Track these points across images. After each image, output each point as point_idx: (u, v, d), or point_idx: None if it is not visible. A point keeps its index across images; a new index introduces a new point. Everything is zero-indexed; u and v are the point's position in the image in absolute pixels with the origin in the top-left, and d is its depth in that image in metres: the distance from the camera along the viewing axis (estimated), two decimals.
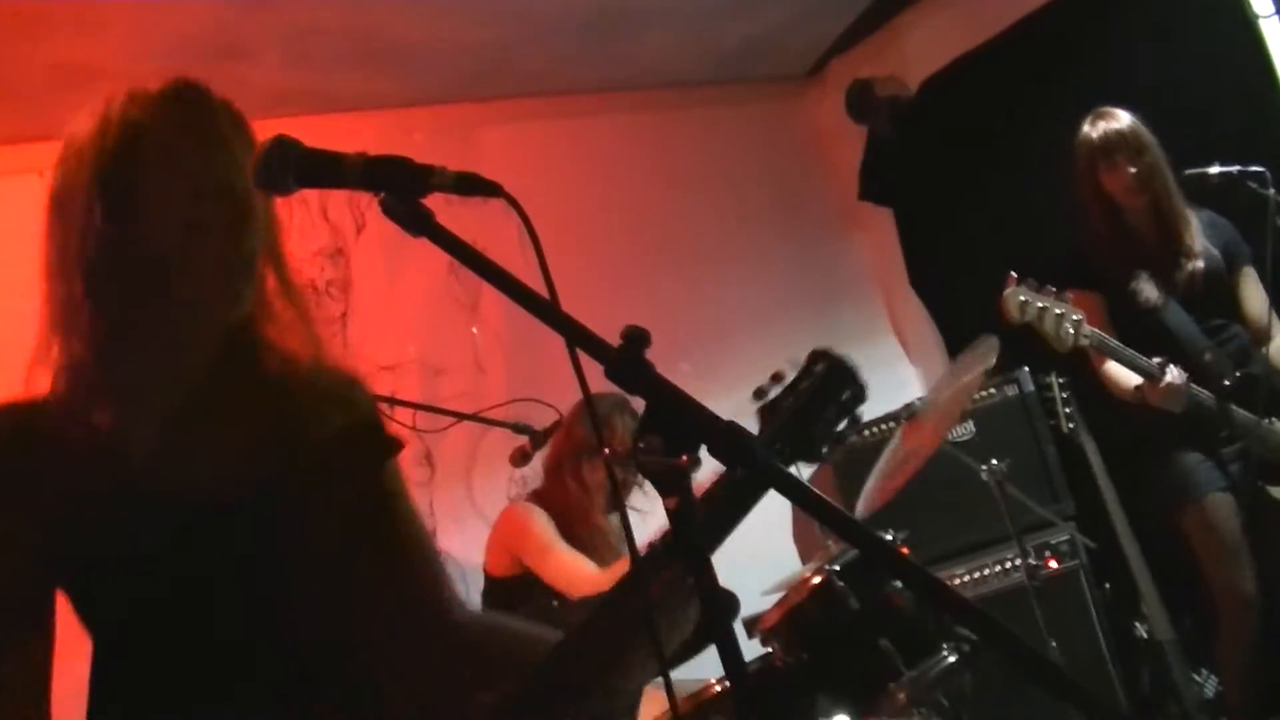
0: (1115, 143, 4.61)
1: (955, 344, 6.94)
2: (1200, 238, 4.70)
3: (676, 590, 1.83)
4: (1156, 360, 4.29)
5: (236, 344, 1.83)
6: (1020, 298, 4.12)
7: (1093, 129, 4.69)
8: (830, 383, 2.00)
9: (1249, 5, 5.29)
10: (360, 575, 1.87)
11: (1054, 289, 4.16)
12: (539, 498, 4.73)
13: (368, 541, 1.91)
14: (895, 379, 7.34)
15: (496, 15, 5.42)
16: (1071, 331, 4.12)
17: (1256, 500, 4.53)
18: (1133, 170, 4.57)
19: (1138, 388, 4.38)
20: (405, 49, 5.41)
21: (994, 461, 4.68)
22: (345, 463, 1.90)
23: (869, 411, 6.24)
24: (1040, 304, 4.11)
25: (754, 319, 6.85)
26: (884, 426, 5.85)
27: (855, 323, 7.43)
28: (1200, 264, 4.64)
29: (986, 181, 6.59)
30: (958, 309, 6.98)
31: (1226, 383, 4.45)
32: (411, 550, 2.01)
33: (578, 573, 4.47)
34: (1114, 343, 4.29)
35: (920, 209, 7.19)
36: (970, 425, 5.68)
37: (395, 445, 2.05)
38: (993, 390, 5.77)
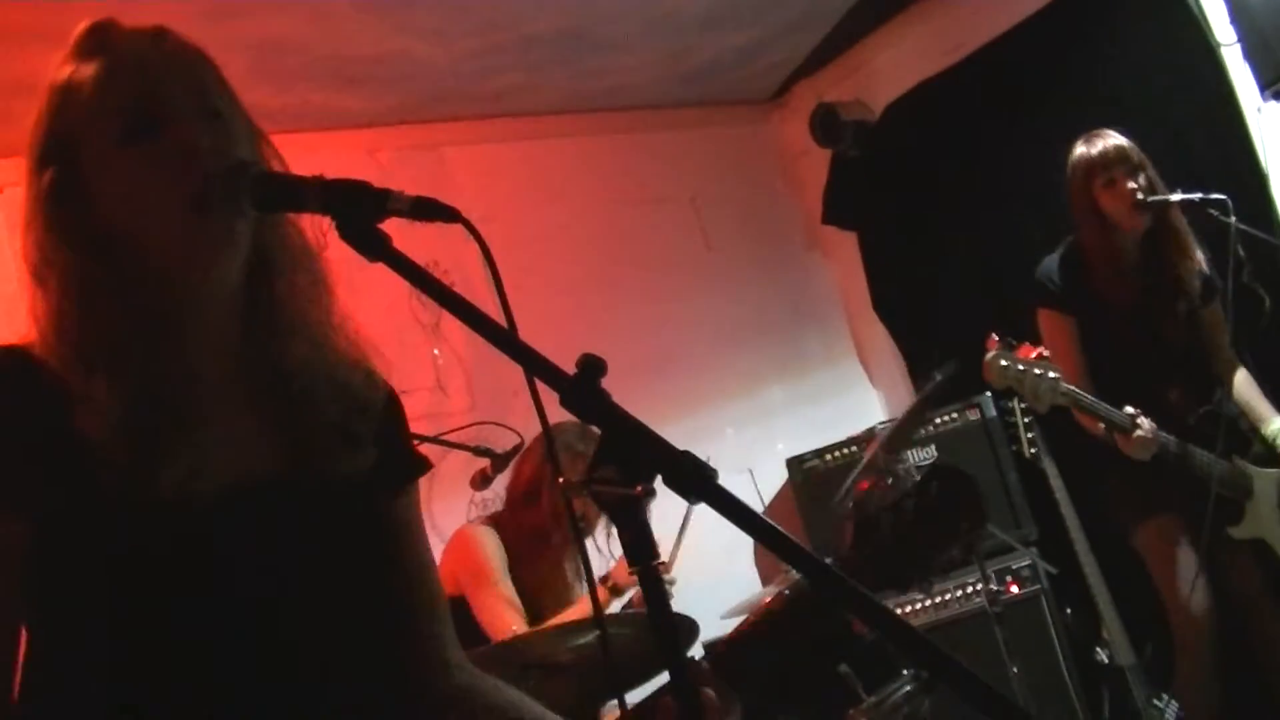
0: (1115, 159, 4.58)
1: (918, 368, 6.97)
2: (1197, 277, 4.70)
3: None
4: (1129, 411, 4.32)
5: (254, 328, 1.76)
6: (1002, 362, 4.17)
7: (1089, 146, 4.65)
8: (947, 509, 1.85)
9: (1211, 33, 5.33)
10: (361, 614, 1.79)
11: (1029, 345, 4.24)
12: (496, 523, 4.67)
13: (374, 577, 1.84)
14: (858, 402, 7.36)
15: (463, 35, 5.41)
16: (1049, 391, 4.16)
17: (1215, 527, 4.55)
18: (1132, 186, 4.52)
19: (1107, 430, 4.40)
20: (371, 66, 5.39)
21: None
22: (365, 483, 1.81)
23: (832, 435, 6.24)
24: (1021, 367, 4.16)
25: (719, 340, 6.87)
26: (845, 451, 5.86)
27: (819, 346, 7.45)
28: (1186, 306, 4.67)
29: (949, 206, 6.62)
30: (920, 333, 7.01)
31: (1191, 422, 4.48)
32: (416, 594, 1.93)
33: (504, 621, 4.36)
34: (1088, 399, 4.30)
35: (883, 233, 7.22)
36: (933, 450, 5.70)
37: (422, 466, 1.98)
38: (955, 415, 5.79)
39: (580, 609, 4.39)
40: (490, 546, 4.53)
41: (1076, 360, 4.38)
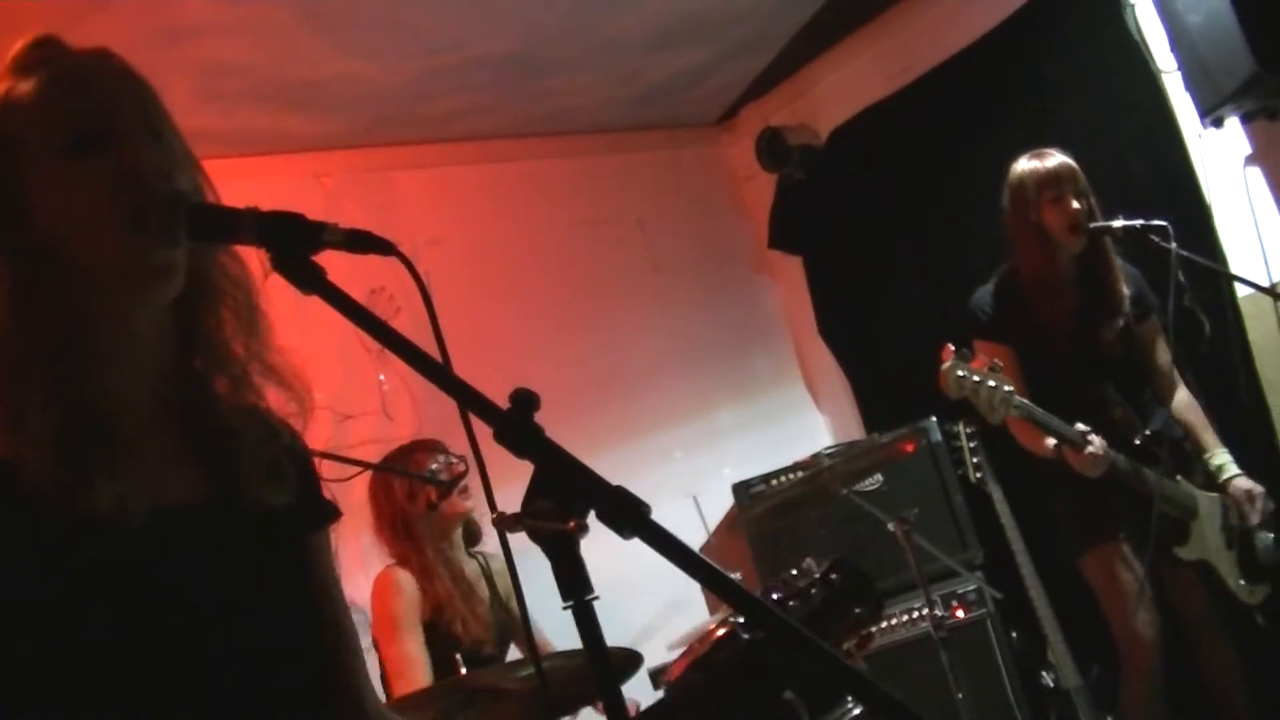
0: (1065, 177, 4.59)
1: (863, 393, 7.01)
2: (1128, 297, 4.73)
3: None
4: (1080, 427, 4.34)
5: (185, 357, 1.76)
6: (959, 373, 4.20)
7: (1041, 161, 4.65)
8: (846, 594, 1.95)
9: (1153, 60, 5.38)
10: (282, 649, 1.75)
11: (983, 357, 4.26)
12: (405, 562, 4.63)
13: (297, 611, 1.81)
14: (805, 426, 7.39)
15: (409, 57, 5.41)
16: (1003, 403, 4.18)
17: (1162, 548, 4.58)
18: (1077, 207, 4.54)
19: (1057, 447, 4.42)
20: (317, 88, 5.37)
21: (901, 512, 4.71)
22: (286, 525, 1.81)
23: (779, 459, 6.25)
24: (976, 378, 4.18)
25: (666, 363, 6.87)
26: (790, 476, 5.87)
27: (766, 370, 7.47)
28: (1115, 334, 4.68)
29: (894, 231, 6.65)
30: (866, 358, 7.05)
31: (1137, 441, 4.51)
32: (332, 632, 1.91)
33: (410, 675, 4.33)
34: (1040, 412, 4.31)
35: (829, 257, 7.24)
36: (878, 476, 5.71)
37: (335, 513, 1.97)
38: (900, 440, 5.80)
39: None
40: (402, 592, 4.50)
41: (1019, 389, 4.40)
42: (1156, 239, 4.40)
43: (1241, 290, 5.21)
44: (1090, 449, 4.29)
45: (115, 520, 1.57)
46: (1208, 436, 4.79)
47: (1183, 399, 4.84)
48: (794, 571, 1.99)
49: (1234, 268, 5.14)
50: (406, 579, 4.52)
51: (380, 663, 4.43)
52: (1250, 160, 5.28)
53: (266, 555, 1.76)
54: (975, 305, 4.80)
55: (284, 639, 1.75)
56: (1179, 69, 5.11)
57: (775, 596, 2.03)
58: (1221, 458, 4.74)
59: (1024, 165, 4.70)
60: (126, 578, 1.59)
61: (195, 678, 1.63)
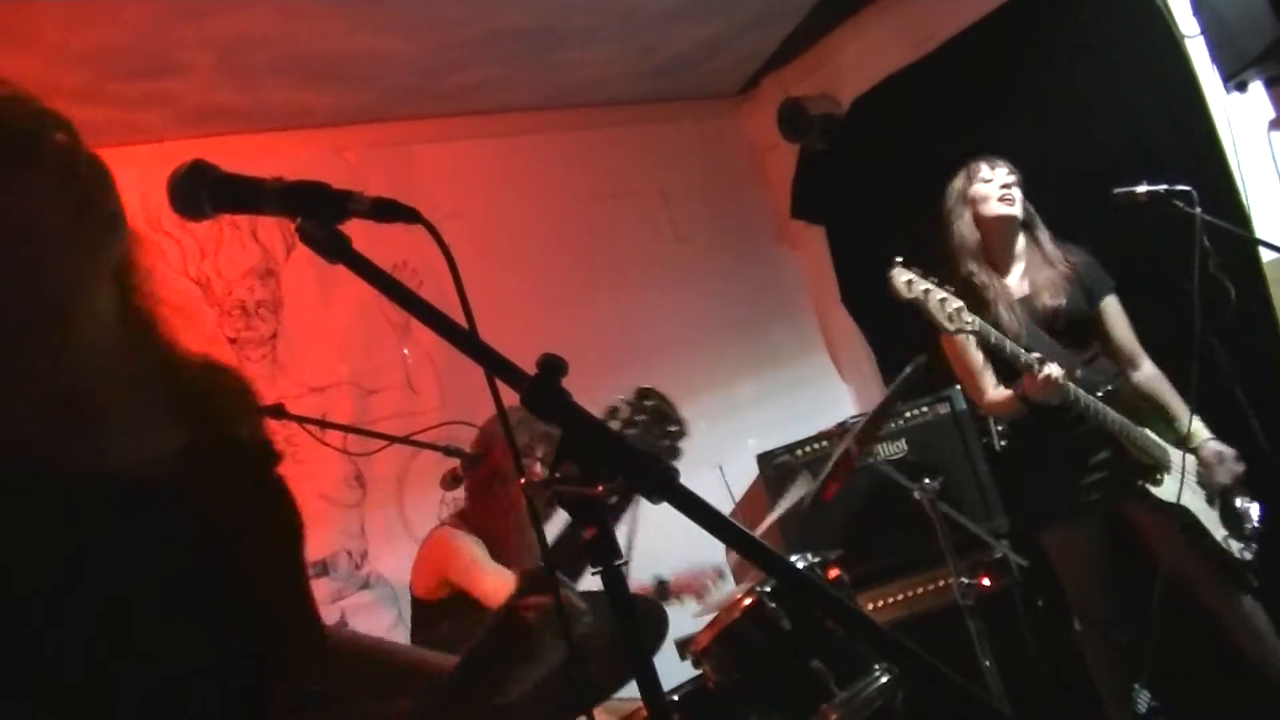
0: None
1: (886, 362, 6.99)
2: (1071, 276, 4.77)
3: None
4: (1035, 355, 4.33)
5: (129, 328, 1.79)
6: (905, 277, 4.23)
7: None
8: (659, 417, 1.97)
9: (1175, 25, 5.34)
10: (251, 584, 1.79)
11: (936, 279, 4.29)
12: (464, 519, 4.67)
13: (260, 549, 1.84)
14: (828, 396, 7.38)
15: (429, 30, 5.40)
16: (953, 315, 4.23)
17: (1121, 520, 4.70)
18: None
19: (1015, 389, 4.50)
20: (337, 62, 5.36)
21: (926, 480, 4.71)
22: (249, 464, 1.87)
23: (802, 429, 6.25)
24: (924, 286, 4.22)
25: (689, 334, 6.87)
26: (817, 445, 5.86)
27: (789, 340, 7.46)
28: (1061, 302, 4.68)
29: (916, 200, 6.63)
30: (888, 327, 7.02)
31: (1099, 394, 4.49)
32: (295, 561, 1.96)
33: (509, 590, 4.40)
34: (995, 332, 4.34)
35: (851, 227, 7.22)
36: (903, 444, 5.70)
37: (276, 455, 1.99)
38: (925, 409, 5.79)
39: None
40: (468, 541, 4.54)
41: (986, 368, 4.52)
42: (1181, 204, 4.37)
43: (1266, 255, 5.18)
44: (1046, 370, 4.29)
45: (110, 473, 1.62)
46: (1176, 403, 4.74)
47: (1148, 370, 4.81)
48: (614, 407, 2.01)
49: (1259, 232, 5.11)
50: (459, 533, 4.59)
51: (484, 604, 4.43)
52: (1274, 124, 5.24)
53: (250, 487, 1.83)
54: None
55: (273, 569, 1.82)
56: (1202, 33, 5.09)
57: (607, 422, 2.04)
58: (1194, 424, 4.68)
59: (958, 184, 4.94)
60: (121, 528, 1.62)
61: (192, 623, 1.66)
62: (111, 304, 1.77)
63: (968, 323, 4.24)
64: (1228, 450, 4.66)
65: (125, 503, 1.62)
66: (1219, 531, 4.60)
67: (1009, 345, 4.33)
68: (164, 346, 1.83)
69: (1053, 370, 4.29)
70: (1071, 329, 4.69)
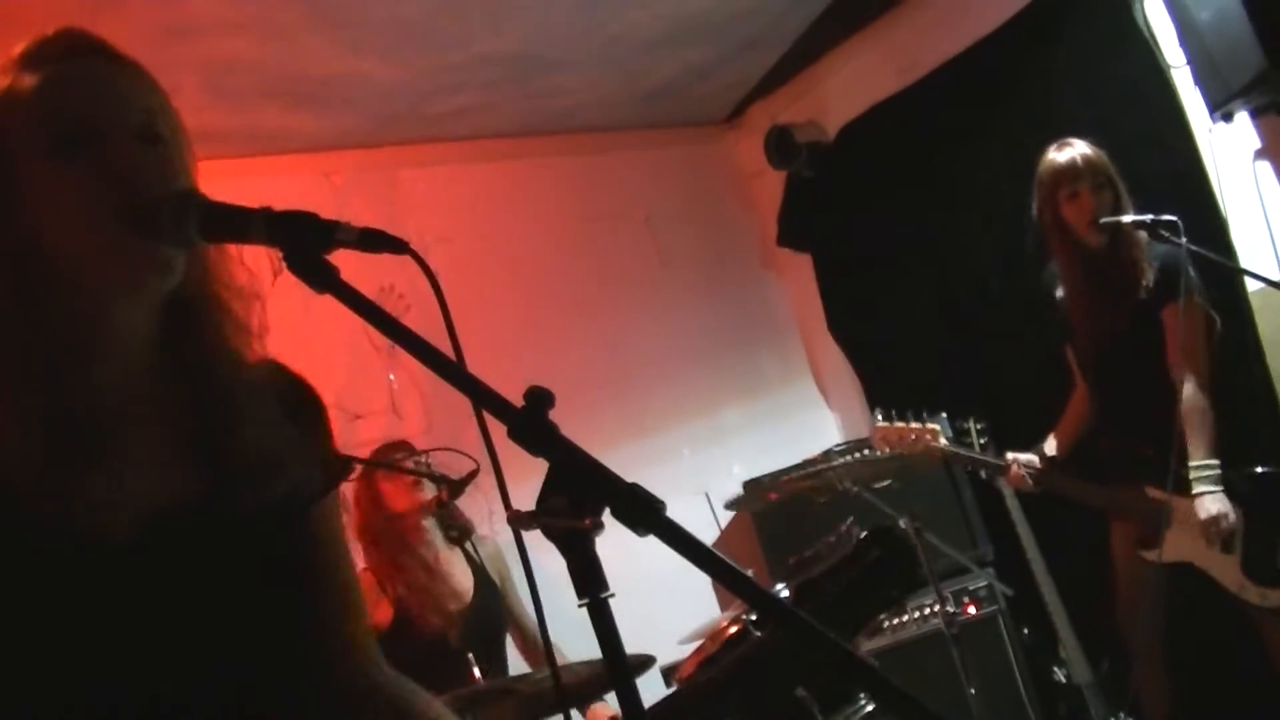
0: (1082, 171, 4.62)
1: (873, 389, 6.99)
2: (1152, 277, 4.66)
3: None
4: (1010, 456, 4.81)
5: (172, 357, 1.75)
6: (880, 437, 4.85)
7: (1058, 154, 4.70)
8: (883, 576, 1.91)
9: (1161, 55, 5.37)
10: (286, 619, 1.76)
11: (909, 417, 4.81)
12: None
13: (298, 581, 1.80)
14: (814, 423, 7.38)
15: (416, 55, 5.40)
16: (935, 450, 4.80)
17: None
18: (1092, 204, 4.60)
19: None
20: (324, 86, 5.36)
21: (912, 509, 4.72)
22: (285, 513, 1.79)
23: (787, 458, 6.27)
24: (909, 437, 4.78)
25: (675, 360, 6.87)
26: (802, 474, 5.86)
27: (775, 366, 7.47)
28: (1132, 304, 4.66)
29: (903, 228, 6.64)
30: (874, 355, 7.03)
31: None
32: (338, 596, 1.91)
33: None
34: (964, 453, 4.85)
35: (838, 255, 7.23)
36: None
37: (341, 471, 1.98)
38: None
39: None
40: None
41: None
42: (1167, 234, 4.38)
43: (1252, 285, 5.19)
44: (1013, 471, 4.77)
45: (103, 530, 1.57)
46: (1195, 441, 4.52)
47: (1186, 395, 4.56)
48: (832, 539, 1.95)
49: (1244, 262, 5.12)
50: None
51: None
52: (1260, 155, 5.26)
53: (258, 549, 1.74)
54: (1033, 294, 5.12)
55: (266, 618, 1.74)
56: (1188, 64, 5.11)
57: (797, 570, 2.01)
58: (1198, 471, 4.50)
59: (1046, 157, 4.74)
60: (113, 594, 1.58)
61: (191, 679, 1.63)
62: (155, 327, 1.74)
63: (941, 450, 4.84)
64: (1215, 510, 4.45)
65: (105, 565, 1.58)
66: (1235, 582, 4.52)
67: (976, 456, 4.92)
68: (220, 381, 1.78)
69: (1017, 471, 4.81)
70: (1137, 344, 4.75)
